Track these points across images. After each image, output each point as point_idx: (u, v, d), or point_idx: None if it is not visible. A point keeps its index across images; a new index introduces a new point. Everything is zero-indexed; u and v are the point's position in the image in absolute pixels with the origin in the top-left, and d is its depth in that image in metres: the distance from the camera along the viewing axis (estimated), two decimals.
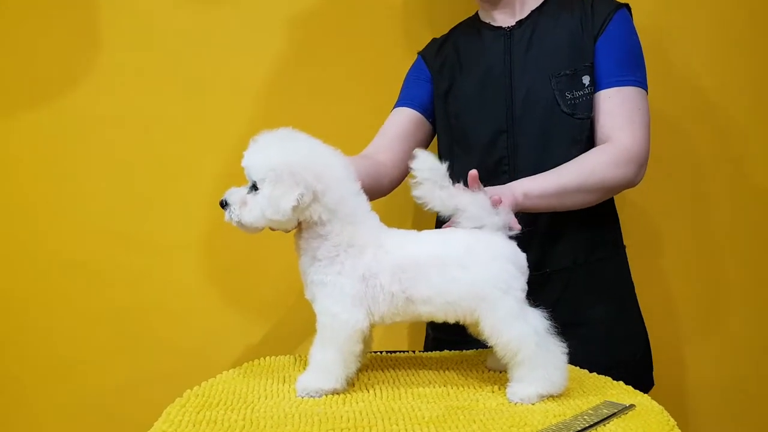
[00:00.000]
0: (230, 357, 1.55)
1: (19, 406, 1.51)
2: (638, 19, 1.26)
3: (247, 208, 0.93)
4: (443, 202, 0.94)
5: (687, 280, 1.68)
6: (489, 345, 0.92)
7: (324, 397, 0.91)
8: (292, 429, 0.80)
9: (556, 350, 0.90)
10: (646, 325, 1.34)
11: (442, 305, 0.92)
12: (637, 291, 1.34)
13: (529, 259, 1.19)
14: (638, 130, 1.19)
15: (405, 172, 1.33)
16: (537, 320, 0.90)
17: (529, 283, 1.04)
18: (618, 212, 1.33)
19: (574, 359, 1.02)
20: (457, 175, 1.27)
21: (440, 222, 1.13)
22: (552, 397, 0.90)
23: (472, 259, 0.91)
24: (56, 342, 1.52)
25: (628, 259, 1.34)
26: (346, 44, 1.60)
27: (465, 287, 0.91)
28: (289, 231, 0.97)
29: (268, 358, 1.12)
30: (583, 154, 1.18)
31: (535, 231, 1.24)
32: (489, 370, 1.04)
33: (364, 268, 0.92)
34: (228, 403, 0.89)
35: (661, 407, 0.89)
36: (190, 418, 0.84)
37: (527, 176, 1.15)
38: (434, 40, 1.40)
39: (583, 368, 1.06)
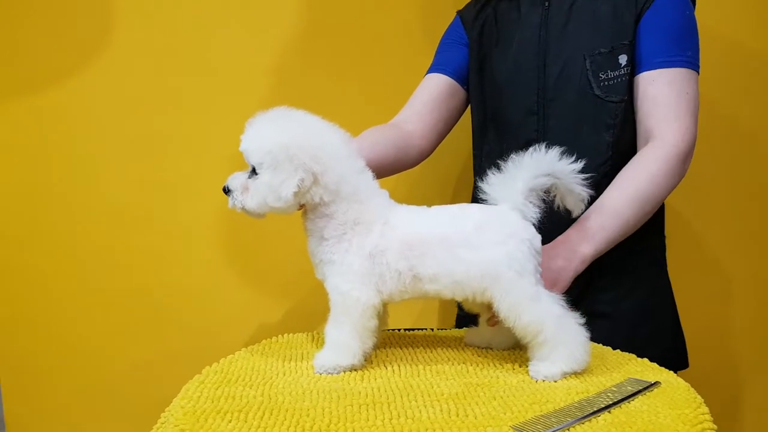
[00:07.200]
0: (249, 336, 1.55)
1: (39, 384, 1.53)
2: None
3: (249, 195, 0.91)
4: None
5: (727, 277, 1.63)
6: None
7: (342, 373, 0.91)
8: (310, 404, 0.79)
9: (577, 327, 0.88)
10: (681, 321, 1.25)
11: (450, 284, 0.90)
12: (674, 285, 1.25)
13: None
14: (686, 120, 1.08)
15: (434, 144, 1.27)
16: (553, 300, 0.88)
17: None
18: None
19: None
20: (488, 156, 1.21)
21: (475, 200, 1.06)
22: (574, 373, 0.88)
23: (482, 238, 0.89)
24: (76, 322, 1.53)
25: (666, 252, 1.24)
26: (362, 21, 1.57)
27: (474, 267, 0.88)
28: (291, 213, 0.95)
29: (285, 335, 1.12)
30: (633, 170, 1.07)
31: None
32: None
33: (372, 245, 0.90)
34: (246, 380, 0.89)
35: (687, 384, 0.86)
36: (209, 393, 0.84)
37: None
38: None
39: None
